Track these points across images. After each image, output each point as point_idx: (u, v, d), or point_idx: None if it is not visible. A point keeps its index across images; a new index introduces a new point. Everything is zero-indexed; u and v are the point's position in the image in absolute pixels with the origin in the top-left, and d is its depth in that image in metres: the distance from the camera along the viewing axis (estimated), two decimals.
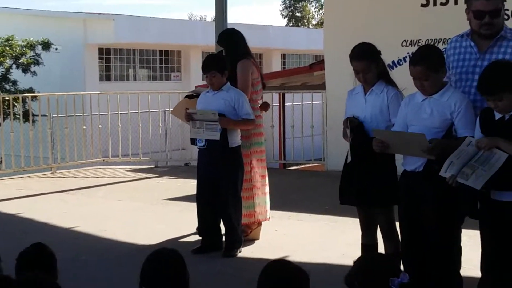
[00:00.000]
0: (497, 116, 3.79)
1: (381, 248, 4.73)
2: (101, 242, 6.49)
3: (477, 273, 4.09)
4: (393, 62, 9.13)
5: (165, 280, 2.94)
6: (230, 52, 6.36)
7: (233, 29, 6.63)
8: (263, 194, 6.43)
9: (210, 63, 5.94)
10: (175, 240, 6.43)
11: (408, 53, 9.12)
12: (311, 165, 12.38)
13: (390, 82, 4.62)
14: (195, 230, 6.38)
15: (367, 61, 4.54)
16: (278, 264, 2.92)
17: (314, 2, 51.55)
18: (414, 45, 9.06)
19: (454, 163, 3.79)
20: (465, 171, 3.75)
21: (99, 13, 25.45)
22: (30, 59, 18.97)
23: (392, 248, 4.52)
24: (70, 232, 6.89)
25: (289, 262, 2.93)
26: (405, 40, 9.43)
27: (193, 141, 6.05)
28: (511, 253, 3.77)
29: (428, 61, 4.06)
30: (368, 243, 4.73)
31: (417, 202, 4.15)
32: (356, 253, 4.82)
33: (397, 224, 4.44)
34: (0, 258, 3.53)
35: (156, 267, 2.98)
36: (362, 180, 4.53)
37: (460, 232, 4.25)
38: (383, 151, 4.20)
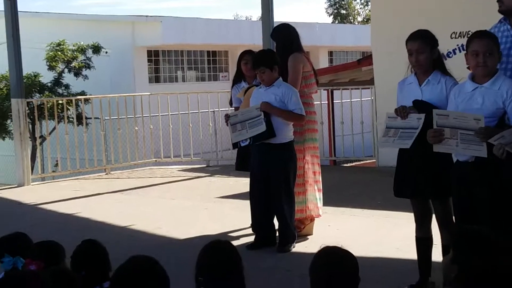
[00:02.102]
0: None
1: (436, 240, 4.72)
2: (156, 240, 6.60)
3: None
4: (442, 54, 9.01)
5: (222, 270, 2.98)
6: (284, 47, 6.35)
7: (288, 24, 6.60)
8: (315, 191, 6.43)
9: (259, 60, 5.97)
10: (229, 236, 6.49)
11: (457, 45, 9.04)
12: (362, 162, 12.34)
13: (447, 73, 4.53)
14: (249, 227, 6.44)
15: (421, 41, 4.47)
16: (329, 249, 2.94)
17: None
18: (464, 37, 8.97)
19: (505, 136, 3.78)
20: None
21: (147, 16, 25.73)
22: (81, 63, 19.27)
23: (448, 240, 4.49)
24: (126, 230, 7.03)
25: (337, 247, 2.95)
26: (454, 32, 9.33)
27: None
28: None
29: (491, 36, 4.07)
30: (423, 236, 4.70)
31: (469, 193, 4.12)
32: (410, 247, 4.83)
33: None
34: (64, 255, 3.64)
35: (212, 257, 3.02)
36: (418, 172, 4.49)
37: None
38: (436, 142, 4.16)
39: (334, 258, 2.87)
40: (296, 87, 6.12)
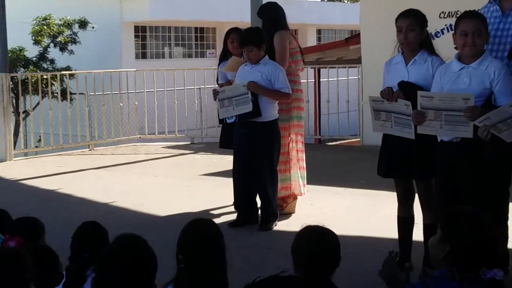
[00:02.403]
0: None
1: (417, 220, 4.71)
2: (139, 217, 6.56)
3: None
4: (430, 34, 8.97)
5: (202, 248, 2.95)
6: (270, 25, 6.31)
7: (275, 3, 6.54)
8: (299, 169, 6.42)
9: (247, 38, 5.92)
10: (211, 214, 6.48)
11: (446, 25, 9.00)
12: (347, 140, 12.33)
13: (434, 53, 4.50)
14: (231, 204, 6.42)
15: (412, 19, 4.45)
16: (310, 228, 2.94)
17: None
18: (452, 17, 8.92)
19: (490, 118, 3.76)
20: (500, 126, 3.73)
21: None
22: (67, 37, 19.11)
23: (430, 219, 4.46)
24: (108, 207, 6.98)
25: (319, 226, 2.95)
26: (443, 12, 9.29)
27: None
28: None
29: (480, 17, 4.06)
30: (405, 216, 4.71)
31: (453, 173, 4.11)
32: (392, 226, 4.82)
33: None
34: (44, 231, 3.61)
35: (193, 236, 3.00)
36: (402, 152, 4.47)
37: (507, 205, 4.20)
38: (421, 123, 4.13)
39: (315, 237, 2.87)
40: (285, 64, 6.10)
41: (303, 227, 2.96)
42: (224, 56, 6.79)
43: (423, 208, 4.63)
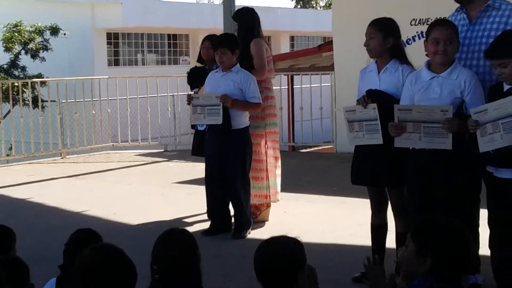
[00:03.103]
0: (506, 88, 3.79)
1: (390, 227, 4.73)
2: (111, 226, 6.50)
3: (487, 251, 4.09)
4: (402, 41, 9.05)
5: (177, 259, 2.93)
6: (246, 31, 6.30)
7: (252, 9, 6.50)
8: (275, 176, 6.43)
9: (222, 41, 5.89)
10: (184, 222, 6.45)
11: (417, 32, 9.06)
12: (320, 147, 12.36)
13: (406, 62, 4.54)
14: (205, 213, 6.39)
15: (375, 27, 4.50)
16: (269, 240, 2.87)
17: None
18: (423, 24, 9.00)
19: (487, 112, 3.73)
20: (487, 128, 3.71)
21: None
22: (39, 44, 18.96)
23: (403, 228, 4.46)
24: (80, 216, 6.92)
25: (282, 237, 2.88)
26: (414, 19, 9.37)
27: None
28: None
29: (452, 25, 4.11)
30: (378, 223, 4.71)
31: (426, 182, 4.13)
32: (365, 233, 4.84)
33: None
34: (15, 240, 3.56)
35: (168, 246, 2.97)
36: (375, 160, 4.49)
37: (478, 212, 4.23)
38: (398, 135, 4.14)
39: (271, 249, 2.80)
40: (264, 72, 6.17)
41: (266, 239, 2.90)
42: (200, 62, 6.81)
43: (395, 216, 4.64)
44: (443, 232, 2.70)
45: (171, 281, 2.91)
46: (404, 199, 4.56)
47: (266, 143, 6.31)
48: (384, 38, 4.49)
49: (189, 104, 5.98)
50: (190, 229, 5.92)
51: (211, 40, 6.51)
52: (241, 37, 6.21)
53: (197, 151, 6.61)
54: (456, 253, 2.64)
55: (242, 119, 5.91)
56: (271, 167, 6.38)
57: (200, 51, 6.80)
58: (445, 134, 3.95)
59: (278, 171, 6.47)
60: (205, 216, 6.32)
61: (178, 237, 3.07)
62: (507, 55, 3.71)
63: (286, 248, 2.79)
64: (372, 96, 4.43)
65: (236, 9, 7.91)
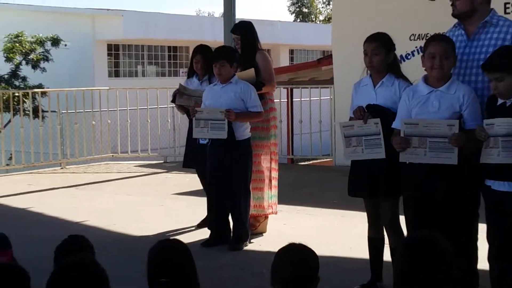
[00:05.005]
0: (499, 102, 3.82)
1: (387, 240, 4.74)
2: (111, 236, 6.52)
3: (486, 265, 4.11)
4: (401, 56, 9.11)
5: (171, 270, 2.92)
6: (248, 42, 6.33)
7: (250, 22, 6.56)
8: (273, 188, 6.46)
9: (221, 53, 5.92)
10: (183, 233, 6.46)
11: (416, 47, 9.13)
12: (319, 160, 12.39)
13: (401, 76, 4.56)
14: (198, 223, 6.43)
15: (377, 43, 4.51)
16: (292, 246, 2.93)
17: None
18: (422, 39, 9.04)
19: (494, 126, 3.76)
20: (491, 142, 3.73)
21: (108, 9, 25.49)
22: (40, 55, 19.00)
23: (396, 243, 4.47)
24: (80, 226, 6.92)
25: (301, 244, 2.95)
26: (413, 34, 9.42)
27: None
28: None
29: (448, 41, 4.15)
30: (375, 237, 4.72)
31: (422, 196, 4.14)
32: (364, 246, 4.85)
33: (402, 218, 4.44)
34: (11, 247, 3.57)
35: (162, 257, 2.97)
36: (371, 172, 4.49)
37: (477, 226, 4.25)
38: (403, 150, 4.13)
39: (297, 256, 2.86)
40: (274, 84, 6.32)
41: (284, 245, 2.94)
42: (191, 73, 6.84)
43: (388, 231, 4.63)
44: (422, 251, 2.66)
45: None
46: (396, 213, 4.57)
47: (271, 154, 6.37)
48: (387, 54, 4.53)
49: (192, 117, 5.97)
50: (190, 240, 5.95)
51: (202, 53, 6.56)
52: (245, 50, 6.26)
53: (188, 163, 6.68)
54: (431, 272, 2.59)
55: (245, 130, 5.93)
56: (270, 178, 6.41)
57: (190, 64, 6.82)
58: (451, 149, 3.96)
59: (275, 183, 6.49)
60: (205, 227, 6.32)
61: (172, 248, 3.06)
62: (503, 69, 3.75)
63: (309, 256, 2.87)
64: (372, 111, 4.45)
65: (236, 21, 7.94)
